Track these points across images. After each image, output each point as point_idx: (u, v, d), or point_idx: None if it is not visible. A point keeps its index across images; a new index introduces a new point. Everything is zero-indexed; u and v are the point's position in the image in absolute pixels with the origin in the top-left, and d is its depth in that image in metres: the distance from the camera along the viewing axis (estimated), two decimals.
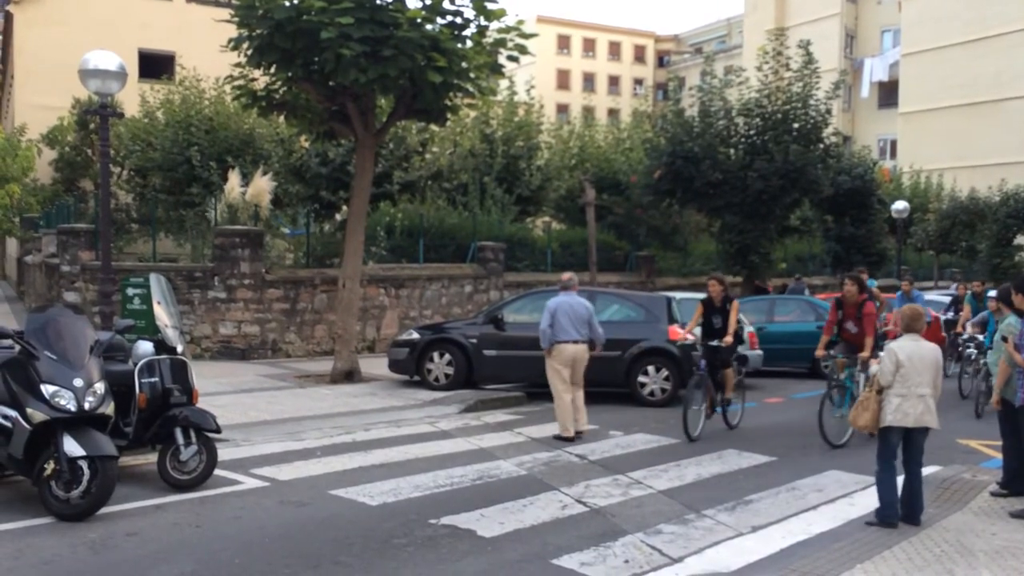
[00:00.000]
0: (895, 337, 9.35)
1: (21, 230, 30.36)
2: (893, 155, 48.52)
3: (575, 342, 9.70)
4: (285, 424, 9.98)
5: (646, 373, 12.17)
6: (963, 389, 13.12)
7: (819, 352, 10.08)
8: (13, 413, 6.37)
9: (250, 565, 5.45)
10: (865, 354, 9.52)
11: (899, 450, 6.58)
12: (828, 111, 21.34)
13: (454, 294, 18.96)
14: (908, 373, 6.38)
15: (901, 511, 6.47)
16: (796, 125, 20.82)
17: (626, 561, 5.71)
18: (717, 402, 10.28)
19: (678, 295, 15.05)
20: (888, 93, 50.69)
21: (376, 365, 14.49)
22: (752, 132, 21.14)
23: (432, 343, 12.89)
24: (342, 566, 5.50)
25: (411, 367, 13.00)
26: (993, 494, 7.31)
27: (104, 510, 6.33)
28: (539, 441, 9.53)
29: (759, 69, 21.51)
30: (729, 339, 10.11)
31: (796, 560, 5.69)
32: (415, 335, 13.25)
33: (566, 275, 10.34)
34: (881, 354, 6.95)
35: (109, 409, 6.60)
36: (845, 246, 26.60)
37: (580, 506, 6.99)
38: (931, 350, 6.55)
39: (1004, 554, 5.78)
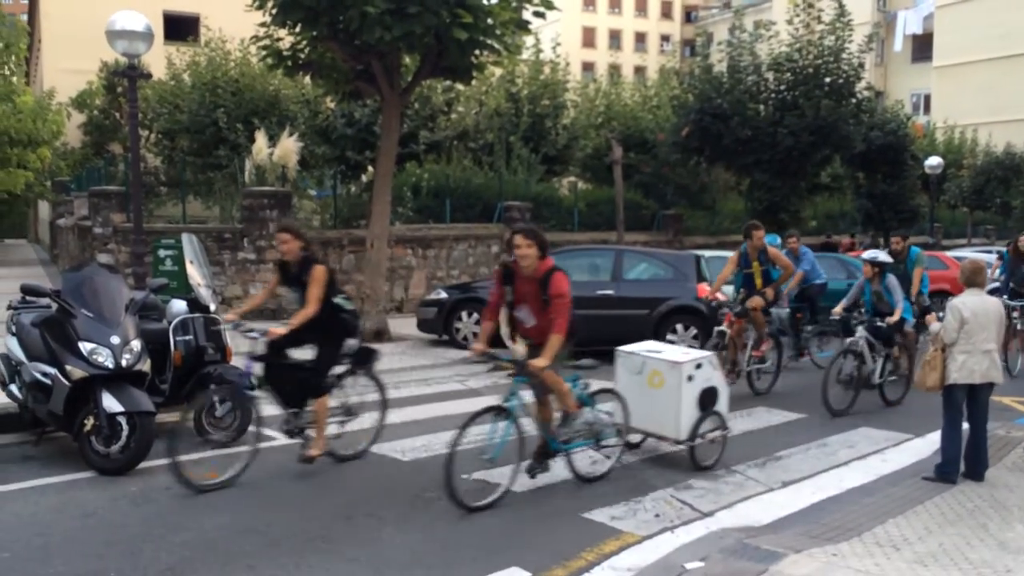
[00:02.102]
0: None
1: (53, 193, 30.74)
2: (927, 110, 47.52)
3: None
4: None
5: (674, 331, 12.14)
6: None
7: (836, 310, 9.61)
8: (52, 370, 6.49)
9: (284, 518, 5.56)
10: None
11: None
12: (861, 65, 20.88)
13: (481, 254, 18.96)
14: (972, 329, 6.28)
15: (964, 468, 6.43)
16: (828, 80, 20.40)
17: (656, 515, 5.75)
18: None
19: (707, 253, 14.93)
20: (922, 46, 49.50)
21: (405, 325, 14.58)
22: (782, 87, 20.77)
23: (460, 302, 12.93)
24: (375, 518, 5.59)
25: (439, 326, 13.08)
26: None
27: (143, 465, 6.46)
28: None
29: (790, 23, 21.06)
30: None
31: (827, 515, 5.71)
32: (443, 294, 13.30)
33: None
34: (941, 314, 6.79)
35: (145, 366, 6.71)
36: (877, 203, 26.20)
37: (609, 462, 7.02)
38: (995, 304, 6.45)
39: None
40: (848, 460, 7.25)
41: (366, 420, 7.18)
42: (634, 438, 7.19)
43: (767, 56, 21.06)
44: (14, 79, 25.33)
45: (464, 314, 12.92)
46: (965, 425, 6.47)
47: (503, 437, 5.76)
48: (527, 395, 6.07)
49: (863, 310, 9.55)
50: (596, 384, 6.93)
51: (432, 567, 4.84)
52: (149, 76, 12.73)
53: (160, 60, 25.32)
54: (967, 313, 6.29)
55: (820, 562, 4.72)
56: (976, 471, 6.42)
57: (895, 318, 9.06)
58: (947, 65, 46.00)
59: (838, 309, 9.38)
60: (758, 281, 9.79)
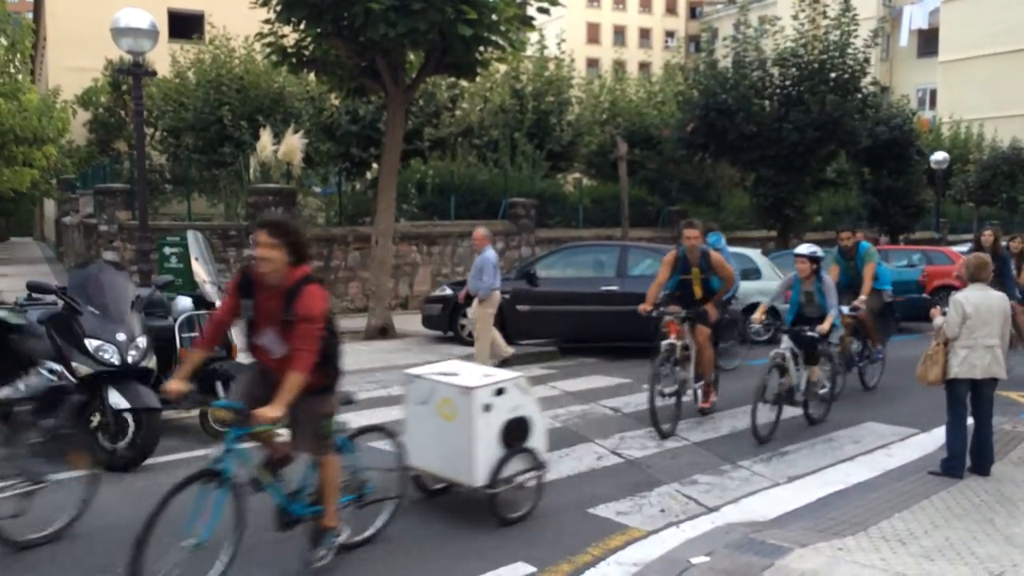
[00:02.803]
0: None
1: (58, 191, 30.82)
2: (932, 105, 47.37)
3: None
4: None
5: None
6: None
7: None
8: (59, 367, 6.51)
9: None
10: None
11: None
12: (866, 60, 20.80)
13: None
14: (974, 324, 6.26)
15: (970, 462, 6.42)
16: (833, 75, 20.34)
17: (662, 510, 5.76)
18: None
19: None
20: (928, 41, 49.32)
21: (409, 322, 14.60)
22: (787, 83, 20.71)
23: (468, 298, 12.91)
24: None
25: (444, 323, 13.08)
26: None
27: (149, 461, 6.48)
28: (573, 395, 9.57)
29: (795, 18, 21.00)
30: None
31: (833, 509, 5.70)
32: (448, 291, 13.30)
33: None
34: (945, 308, 6.68)
35: (151, 363, 6.73)
36: (882, 199, 26.11)
37: (615, 457, 7.03)
38: (999, 299, 6.41)
39: None
40: (854, 455, 7.24)
41: None
42: (437, 483, 5.87)
43: (772, 51, 21.00)
44: (20, 77, 25.37)
45: (469, 311, 12.90)
46: (970, 420, 6.46)
47: (215, 512, 4.20)
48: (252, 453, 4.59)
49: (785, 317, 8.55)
50: (362, 420, 6.04)
51: (437, 563, 4.85)
52: (154, 74, 12.78)
53: (165, 58, 25.35)
54: (969, 308, 6.27)
55: (826, 556, 4.72)
56: (982, 466, 6.41)
57: (826, 326, 7.78)
58: (953, 60, 45.84)
59: (758, 315, 8.15)
60: (696, 290, 8.35)
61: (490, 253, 11.17)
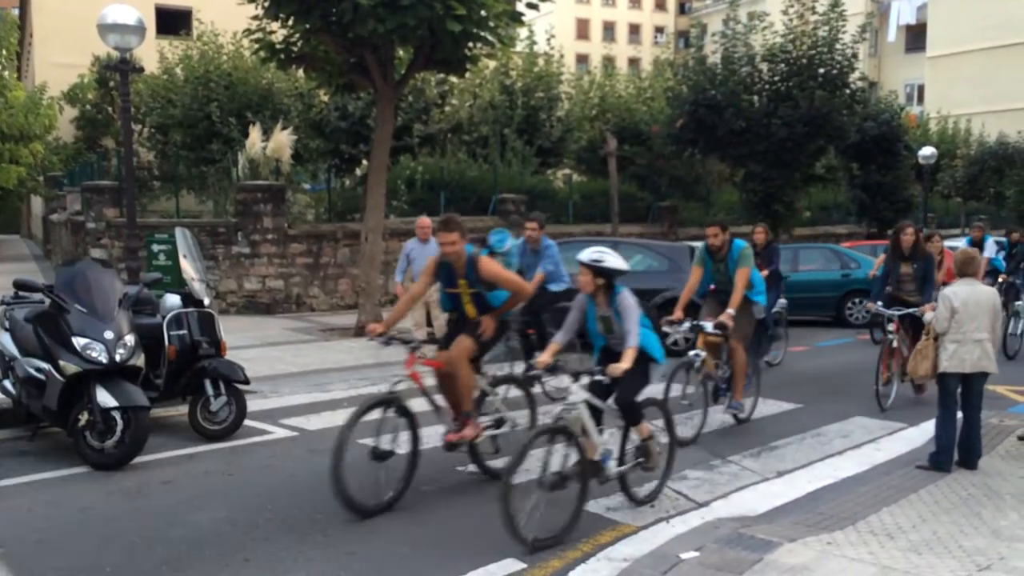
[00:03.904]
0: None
1: (45, 188, 30.63)
2: (920, 100, 47.55)
3: None
4: (311, 376, 10.10)
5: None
6: None
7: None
8: (46, 366, 6.47)
9: (281, 511, 5.56)
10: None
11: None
12: (854, 56, 20.87)
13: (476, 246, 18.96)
14: (963, 319, 6.28)
15: (958, 456, 6.45)
16: (821, 71, 20.40)
17: (652, 506, 5.76)
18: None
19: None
20: (915, 37, 49.51)
21: None
22: (776, 78, 20.76)
23: None
24: None
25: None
26: (1020, 438, 7.28)
27: (138, 460, 6.46)
28: (564, 390, 9.56)
29: (784, 13, 21.05)
30: None
31: (822, 504, 5.72)
32: None
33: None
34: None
35: (140, 361, 6.71)
36: (871, 194, 26.23)
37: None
38: (988, 294, 6.44)
39: None
40: (843, 449, 7.27)
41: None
42: None
43: (761, 47, 21.05)
44: (5, 73, 25.21)
45: None
46: (959, 414, 6.50)
47: None
48: None
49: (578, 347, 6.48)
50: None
51: (429, 558, 4.85)
52: (141, 70, 12.71)
53: (152, 54, 25.22)
54: (957, 303, 6.31)
55: (815, 551, 4.74)
56: (970, 459, 6.45)
57: (622, 367, 5.17)
58: (940, 55, 46.02)
59: (545, 358, 5.34)
60: (468, 308, 6.22)
61: (407, 242, 11.64)
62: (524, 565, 4.73)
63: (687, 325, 7.48)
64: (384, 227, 14.74)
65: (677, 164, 24.83)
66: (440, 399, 6.22)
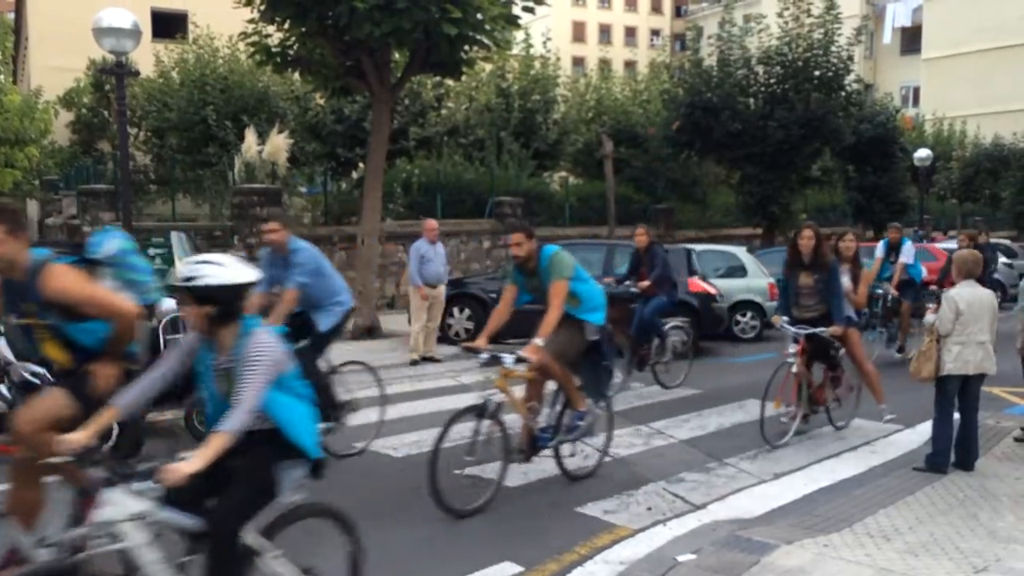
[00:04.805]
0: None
1: (41, 192, 30.56)
2: (916, 102, 47.67)
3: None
4: None
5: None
6: None
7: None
8: (41, 370, 6.44)
9: None
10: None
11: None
12: (850, 58, 20.96)
13: (472, 249, 18.97)
14: (967, 320, 6.28)
15: (955, 458, 6.46)
16: (817, 73, 20.48)
17: (649, 508, 5.76)
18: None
19: (698, 247, 14.96)
20: (911, 39, 49.67)
21: (396, 321, 14.56)
22: (772, 81, 20.83)
23: (452, 298, 12.91)
24: (368, 515, 5.55)
25: None
26: (1017, 439, 7.31)
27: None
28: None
29: (780, 16, 21.11)
30: None
31: (819, 506, 5.72)
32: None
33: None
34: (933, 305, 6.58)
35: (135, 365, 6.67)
36: (867, 196, 26.31)
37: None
38: (988, 295, 6.46)
39: None
40: (839, 452, 7.27)
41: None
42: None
43: (757, 50, 21.11)
44: (1, 78, 25.17)
45: (456, 310, 12.91)
46: (956, 415, 6.50)
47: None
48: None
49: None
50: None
51: (425, 562, 4.84)
52: (137, 73, 12.70)
53: (148, 57, 25.17)
54: (963, 304, 6.30)
55: (812, 553, 4.74)
56: (966, 461, 6.45)
57: (190, 467, 3.19)
58: (936, 57, 46.15)
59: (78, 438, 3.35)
60: (50, 350, 4.45)
61: (415, 244, 11.70)
62: (521, 568, 4.73)
63: (485, 356, 5.84)
64: (381, 230, 14.75)
65: (673, 166, 24.87)
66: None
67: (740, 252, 15.43)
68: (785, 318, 7.51)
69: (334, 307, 6.81)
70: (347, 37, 11.78)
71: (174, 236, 8.26)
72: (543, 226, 20.72)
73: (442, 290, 11.91)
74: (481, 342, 5.98)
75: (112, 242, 5.11)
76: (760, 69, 20.96)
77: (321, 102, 20.47)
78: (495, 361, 5.83)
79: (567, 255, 6.29)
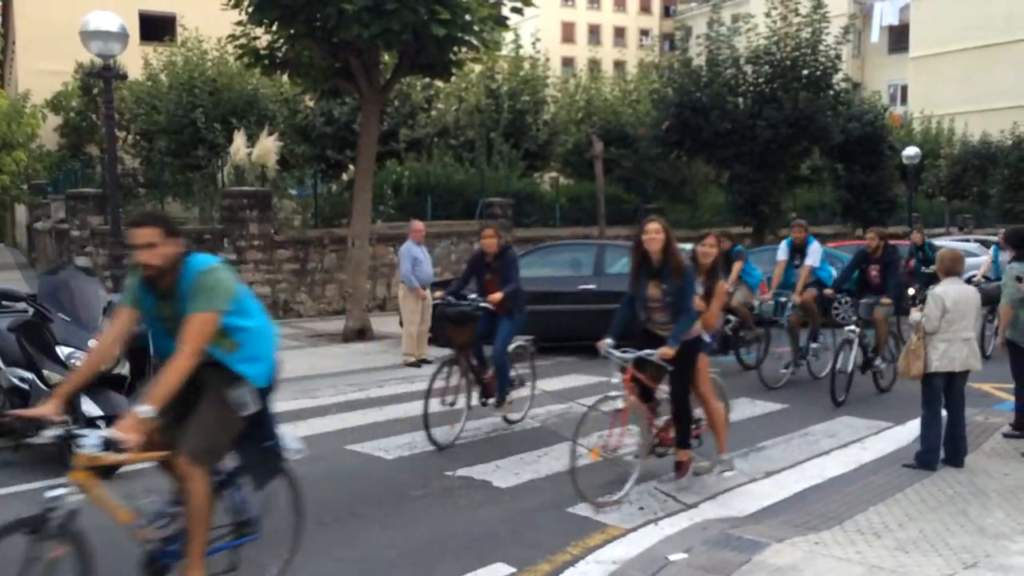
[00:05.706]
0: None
1: (29, 196, 30.45)
2: (904, 101, 47.86)
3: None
4: (300, 382, 10.05)
5: None
6: None
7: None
8: (30, 376, 6.43)
9: (268, 518, 5.51)
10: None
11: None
12: (838, 57, 21.03)
13: (463, 250, 18.94)
14: (954, 318, 6.32)
15: (944, 454, 6.49)
16: (805, 72, 20.55)
17: (641, 508, 5.77)
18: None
19: (688, 247, 14.95)
20: (898, 37, 49.89)
21: (387, 323, 14.54)
22: (761, 80, 20.88)
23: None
24: (360, 517, 5.57)
25: None
26: (1006, 435, 7.34)
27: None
28: (552, 394, 9.56)
29: (768, 15, 21.18)
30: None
31: (810, 504, 5.75)
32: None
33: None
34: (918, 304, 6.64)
35: (125, 369, 6.66)
36: (856, 194, 26.38)
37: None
38: (973, 293, 6.52)
39: (1017, 493, 5.81)
40: (830, 449, 7.30)
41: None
42: None
43: (745, 49, 21.17)
44: None
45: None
46: (944, 412, 6.54)
47: None
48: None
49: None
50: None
51: (417, 564, 4.84)
52: (124, 77, 12.66)
53: (136, 60, 25.10)
54: (949, 302, 6.34)
55: (803, 551, 4.75)
56: (955, 458, 6.49)
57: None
58: (923, 56, 46.37)
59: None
60: None
61: (405, 246, 11.63)
62: (513, 569, 4.73)
63: (53, 434, 3.81)
64: (371, 232, 14.73)
65: (663, 166, 24.91)
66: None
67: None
68: (609, 340, 5.80)
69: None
70: (336, 39, 11.76)
71: None
72: (533, 227, 20.75)
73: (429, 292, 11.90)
74: (49, 408, 3.72)
75: None
76: (748, 68, 21.02)
77: (310, 104, 20.44)
78: (65, 444, 3.73)
79: (228, 274, 3.91)
